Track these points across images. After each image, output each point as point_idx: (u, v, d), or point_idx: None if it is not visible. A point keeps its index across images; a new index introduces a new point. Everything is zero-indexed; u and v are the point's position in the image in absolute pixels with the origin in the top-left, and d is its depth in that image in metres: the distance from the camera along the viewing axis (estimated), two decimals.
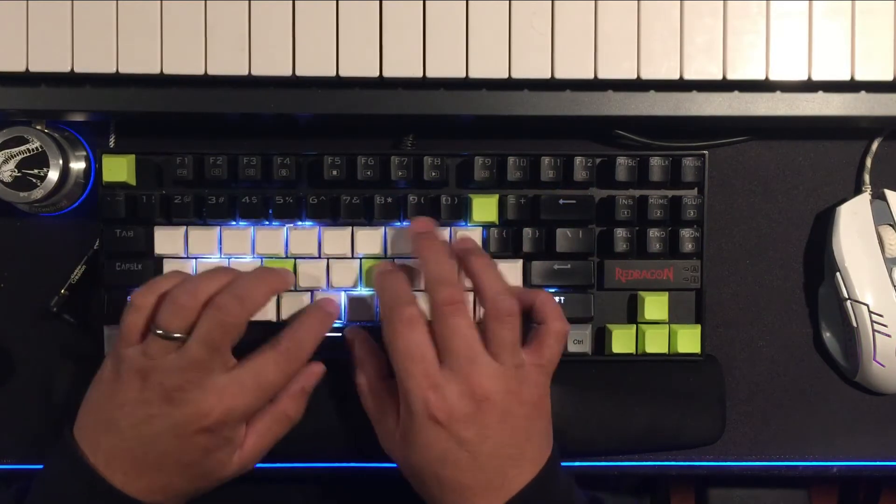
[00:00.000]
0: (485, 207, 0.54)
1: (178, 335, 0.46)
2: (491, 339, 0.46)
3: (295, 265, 0.54)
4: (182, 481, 0.47)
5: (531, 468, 0.46)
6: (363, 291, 0.54)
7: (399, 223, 0.54)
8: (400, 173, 0.54)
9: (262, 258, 0.54)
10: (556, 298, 0.55)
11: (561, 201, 0.54)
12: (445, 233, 0.54)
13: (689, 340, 0.55)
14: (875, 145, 0.58)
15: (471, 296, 0.51)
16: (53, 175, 0.54)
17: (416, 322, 0.46)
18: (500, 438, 0.46)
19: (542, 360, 0.48)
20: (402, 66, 0.52)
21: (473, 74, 0.52)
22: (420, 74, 0.52)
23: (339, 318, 0.54)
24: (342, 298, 0.54)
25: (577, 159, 0.54)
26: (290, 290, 0.54)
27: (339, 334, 0.54)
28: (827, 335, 0.58)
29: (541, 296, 0.49)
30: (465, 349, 0.46)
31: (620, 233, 0.55)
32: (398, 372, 0.46)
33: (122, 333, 0.47)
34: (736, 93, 0.53)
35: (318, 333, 0.50)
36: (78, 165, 0.56)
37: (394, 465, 0.51)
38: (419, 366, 0.45)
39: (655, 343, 0.55)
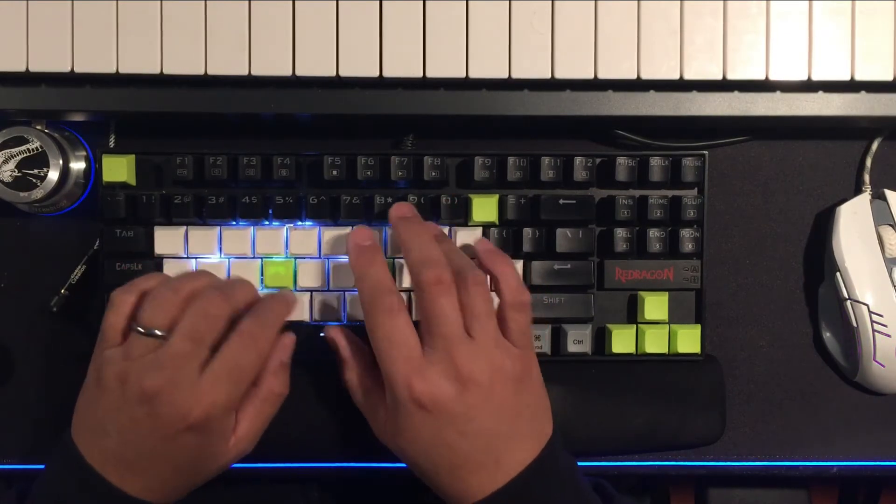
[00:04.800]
0: (485, 207, 0.54)
1: (160, 332, 0.45)
2: (466, 312, 0.46)
3: (295, 265, 0.54)
4: (179, 477, 0.47)
5: (529, 447, 0.47)
6: None
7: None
8: (400, 173, 0.54)
9: (262, 258, 0.54)
10: (557, 298, 0.55)
11: (561, 201, 0.54)
12: (445, 233, 0.54)
13: (688, 340, 0.55)
14: (875, 145, 0.58)
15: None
16: (53, 175, 0.54)
17: (398, 309, 0.46)
18: (488, 416, 0.46)
19: (513, 334, 0.48)
20: (402, 66, 0.52)
21: (473, 74, 0.52)
22: (420, 74, 0.52)
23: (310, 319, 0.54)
24: (343, 298, 0.54)
25: (577, 159, 0.54)
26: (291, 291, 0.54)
27: None
28: (827, 335, 0.58)
29: (497, 267, 0.49)
30: (449, 330, 0.46)
31: (620, 233, 0.55)
32: (381, 359, 0.46)
33: (102, 333, 0.47)
34: (736, 93, 0.53)
35: (278, 312, 0.50)
36: (78, 165, 0.56)
37: (392, 464, 0.51)
38: (401, 351, 0.45)
39: (655, 343, 0.55)
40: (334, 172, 0.54)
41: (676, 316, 0.56)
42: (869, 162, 0.58)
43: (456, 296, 0.46)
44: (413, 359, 0.45)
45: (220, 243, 0.54)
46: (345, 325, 0.53)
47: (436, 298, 0.46)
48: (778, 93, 0.53)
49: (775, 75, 0.53)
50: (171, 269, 0.54)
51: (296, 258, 0.54)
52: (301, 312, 0.54)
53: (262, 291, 0.53)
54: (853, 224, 0.56)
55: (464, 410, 0.45)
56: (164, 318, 0.46)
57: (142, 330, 0.45)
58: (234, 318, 0.47)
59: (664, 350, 0.55)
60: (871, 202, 0.57)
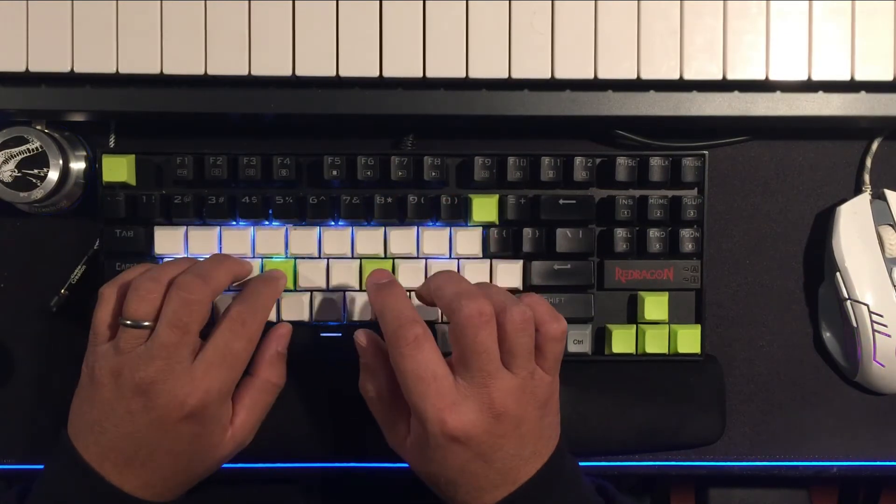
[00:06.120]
0: (485, 207, 0.54)
1: (146, 323, 0.45)
2: (508, 349, 0.45)
3: (295, 265, 0.54)
4: (178, 471, 0.47)
5: (539, 461, 0.47)
6: (364, 292, 0.54)
7: (399, 223, 0.54)
8: (400, 173, 0.54)
9: (262, 258, 0.54)
10: (557, 298, 0.55)
11: (561, 201, 0.54)
12: (445, 233, 0.54)
13: (688, 340, 0.55)
14: (875, 145, 0.58)
15: None
16: (53, 175, 0.54)
17: (423, 341, 0.45)
18: (514, 444, 0.45)
19: (548, 363, 0.47)
20: (402, 66, 0.52)
21: (473, 74, 0.52)
22: (420, 74, 0.52)
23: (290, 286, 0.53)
24: (343, 298, 0.54)
25: (577, 159, 0.54)
26: (290, 291, 0.54)
27: (339, 334, 0.54)
28: (827, 335, 0.58)
29: (527, 298, 0.48)
30: (489, 366, 0.45)
31: (620, 233, 0.55)
32: (409, 394, 0.45)
33: (93, 329, 0.47)
34: (736, 93, 0.53)
35: (267, 294, 0.50)
36: (78, 165, 0.56)
37: (392, 464, 0.51)
38: (431, 386, 0.44)
39: (655, 343, 0.55)
40: (334, 172, 0.54)
41: (676, 316, 0.56)
42: (869, 162, 0.58)
43: (496, 328, 0.45)
44: (445, 393, 0.44)
45: (220, 243, 0.54)
46: (370, 328, 0.52)
47: (477, 332, 0.44)
48: (778, 93, 0.53)
49: (775, 75, 0.53)
50: None
51: (296, 258, 0.54)
52: (301, 312, 0.54)
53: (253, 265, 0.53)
54: (853, 224, 0.56)
55: (493, 441, 0.45)
56: (147, 308, 0.46)
57: (129, 322, 0.46)
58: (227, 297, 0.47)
59: (664, 350, 0.55)
60: (871, 202, 0.57)
